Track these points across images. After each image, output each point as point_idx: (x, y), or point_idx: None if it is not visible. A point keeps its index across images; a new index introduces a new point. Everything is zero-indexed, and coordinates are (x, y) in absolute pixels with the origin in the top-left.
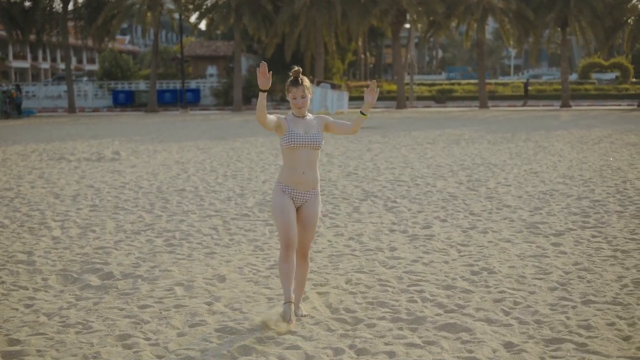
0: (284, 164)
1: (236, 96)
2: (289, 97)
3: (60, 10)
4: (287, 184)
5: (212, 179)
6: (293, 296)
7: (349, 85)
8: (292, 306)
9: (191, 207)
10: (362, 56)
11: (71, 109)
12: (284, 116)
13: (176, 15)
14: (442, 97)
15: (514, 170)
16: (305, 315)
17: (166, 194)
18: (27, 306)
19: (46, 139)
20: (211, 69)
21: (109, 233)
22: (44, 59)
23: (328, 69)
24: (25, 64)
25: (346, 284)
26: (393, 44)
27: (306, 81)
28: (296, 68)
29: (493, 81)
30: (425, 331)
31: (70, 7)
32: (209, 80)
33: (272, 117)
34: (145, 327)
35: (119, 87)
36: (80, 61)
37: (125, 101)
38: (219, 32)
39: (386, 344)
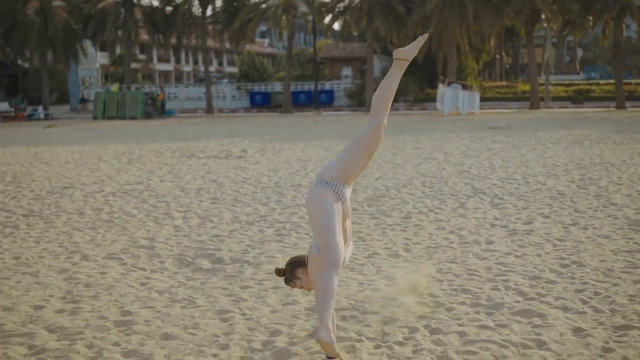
0: None
1: (368, 97)
2: None
3: (199, 14)
4: None
5: None
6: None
7: (483, 85)
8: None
9: (305, 201)
10: (497, 56)
11: (209, 109)
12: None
13: (310, 18)
14: (579, 97)
15: (630, 170)
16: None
17: (283, 188)
18: (142, 284)
19: (181, 138)
20: (346, 70)
21: (225, 223)
22: (187, 61)
23: (462, 70)
24: (169, 67)
25: (436, 272)
26: (527, 43)
27: (292, 281)
28: (276, 269)
29: (633, 81)
30: (500, 315)
31: (209, 12)
32: (343, 82)
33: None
34: (243, 304)
35: (256, 88)
36: (220, 64)
37: (262, 102)
38: (355, 34)
39: (460, 325)
